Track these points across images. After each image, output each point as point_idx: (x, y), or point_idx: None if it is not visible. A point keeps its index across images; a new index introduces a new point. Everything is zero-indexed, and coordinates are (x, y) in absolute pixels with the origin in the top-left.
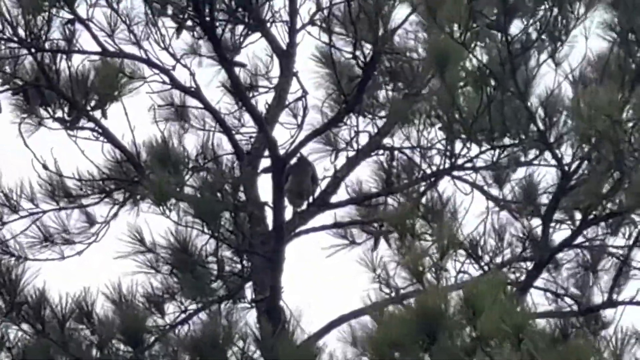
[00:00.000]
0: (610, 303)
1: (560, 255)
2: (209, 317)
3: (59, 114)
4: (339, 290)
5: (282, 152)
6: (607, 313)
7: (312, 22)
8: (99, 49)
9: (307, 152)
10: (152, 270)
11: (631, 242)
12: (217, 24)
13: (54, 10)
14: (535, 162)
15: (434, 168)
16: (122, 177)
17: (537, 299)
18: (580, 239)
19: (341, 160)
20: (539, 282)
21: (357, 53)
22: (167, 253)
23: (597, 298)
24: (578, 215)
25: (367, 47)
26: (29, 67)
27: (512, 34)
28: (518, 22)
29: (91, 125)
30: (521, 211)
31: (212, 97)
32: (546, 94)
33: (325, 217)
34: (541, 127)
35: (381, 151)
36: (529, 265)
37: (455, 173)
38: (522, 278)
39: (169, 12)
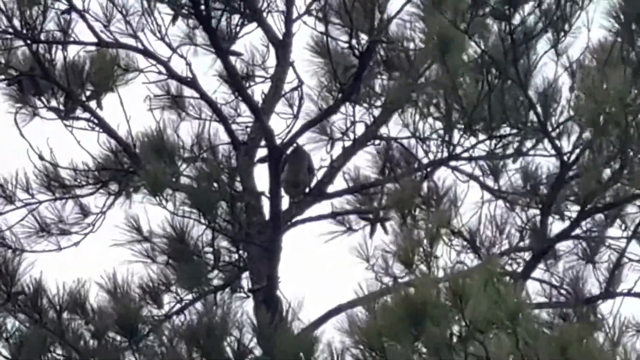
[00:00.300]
0: (608, 294)
1: (558, 246)
2: (205, 307)
3: (53, 103)
4: (336, 280)
5: (278, 141)
6: (604, 306)
7: (308, 11)
8: (94, 40)
9: (303, 142)
10: (148, 259)
11: (629, 233)
12: (213, 14)
13: (49, 1)
14: (534, 152)
15: (431, 157)
16: (118, 168)
17: (534, 290)
18: (578, 231)
19: (337, 150)
20: (536, 273)
21: (353, 42)
22: (163, 243)
23: (595, 290)
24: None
25: (363, 37)
26: (22, 57)
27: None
28: (522, 11)
29: (87, 115)
30: (516, 201)
31: (208, 87)
32: (546, 83)
33: (322, 207)
34: (541, 116)
35: (377, 141)
36: (526, 255)
37: (453, 163)
38: (520, 269)
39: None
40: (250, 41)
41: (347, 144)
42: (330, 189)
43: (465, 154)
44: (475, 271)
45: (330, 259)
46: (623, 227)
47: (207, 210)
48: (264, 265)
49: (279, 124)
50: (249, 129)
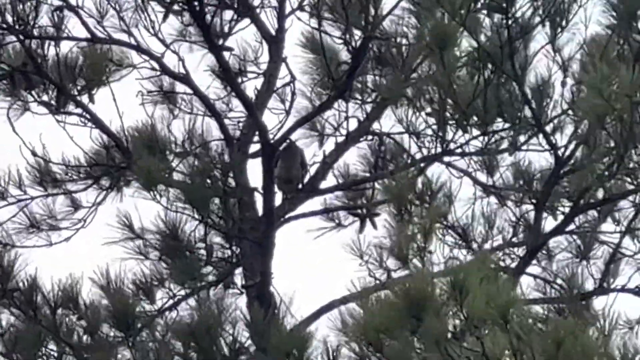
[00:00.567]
0: (602, 290)
1: (552, 242)
2: (198, 302)
3: (45, 98)
4: (329, 276)
5: (270, 137)
6: (598, 302)
7: (300, 7)
8: (88, 35)
9: (295, 138)
10: (140, 256)
11: (623, 228)
12: (206, 10)
13: None
14: (527, 147)
15: (425, 153)
16: (110, 163)
17: (528, 286)
18: (572, 226)
19: (330, 146)
20: (530, 269)
21: (347, 38)
22: (156, 239)
23: (589, 286)
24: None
25: (357, 33)
26: (14, 52)
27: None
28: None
29: (79, 110)
30: (509, 196)
31: (201, 83)
32: (540, 79)
33: (315, 203)
34: (536, 111)
35: (370, 137)
36: (520, 251)
37: (446, 159)
38: (513, 264)
39: None
40: (242, 37)
41: (340, 139)
42: (323, 185)
43: (459, 150)
44: (471, 266)
45: (323, 255)
46: (616, 222)
47: (201, 206)
48: (257, 261)
49: (271, 119)
50: (241, 125)
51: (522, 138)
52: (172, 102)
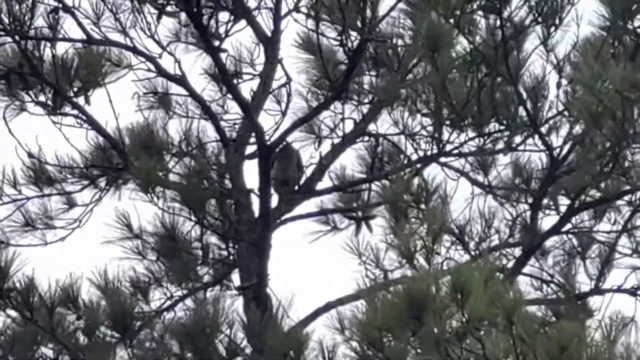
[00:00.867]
0: (598, 291)
1: (548, 242)
2: (195, 303)
3: (42, 98)
4: (326, 277)
5: (266, 138)
6: (594, 301)
7: (296, 8)
8: (84, 36)
9: (292, 139)
10: (138, 256)
11: (619, 228)
12: (203, 12)
13: None
14: (523, 147)
15: (421, 154)
16: (106, 164)
17: (525, 286)
18: (568, 226)
19: (326, 147)
20: (526, 269)
21: (344, 40)
22: (153, 239)
23: (585, 286)
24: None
25: (353, 34)
26: (11, 52)
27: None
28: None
29: (75, 112)
30: (507, 196)
31: (196, 84)
32: (535, 79)
33: (311, 205)
34: (531, 112)
35: (366, 138)
36: (516, 251)
37: (442, 159)
38: (510, 264)
39: None
40: (238, 39)
41: (336, 141)
42: (320, 186)
43: (455, 151)
44: (473, 267)
45: (319, 257)
46: (613, 222)
47: (197, 208)
48: (254, 262)
49: (267, 120)
50: (237, 126)
51: (517, 139)
52: (168, 103)
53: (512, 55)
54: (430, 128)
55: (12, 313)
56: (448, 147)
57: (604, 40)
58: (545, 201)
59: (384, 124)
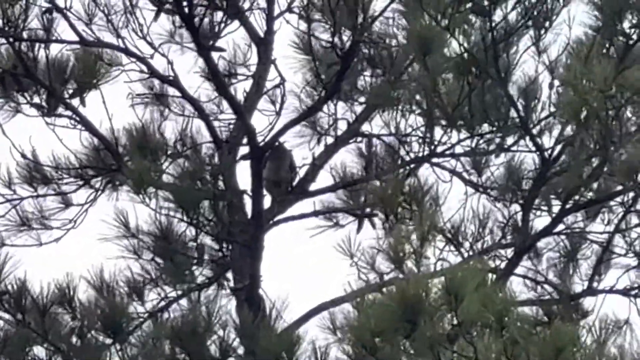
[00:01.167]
0: (591, 291)
1: (541, 243)
2: (189, 304)
3: (36, 100)
4: (319, 278)
5: (260, 139)
6: (587, 302)
7: (289, 9)
8: (76, 38)
9: (286, 139)
10: (133, 255)
11: (611, 228)
12: (196, 12)
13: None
14: (515, 148)
15: (413, 155)
16: (101, 165)
17: (518, 287)
18: (561, 227)
19: (319, 148)
20: (519, 270)
21: (336, 41)
22: (149, 239)
23: (578, 286)
24: (557, 202)
25: (347, 34)
26: (5, 54)
27: (496, 20)
28: (503, 7)
29: (69, 113)
30: (500, 197)
31: (192, 84)
32: (526, 80)
33: (305, 205)
34: (522, 113)
35: (359, 138)
36: (509, 252)
37: (435, 160)
38: (502, 265)
39: None
40: (232, 39)
41: (330, 141)
42: (313, 187)
43: (447, 152)
44: (466, 270)
45: (312, 258)
46: (606, 222)
47: (190, 209)
48: (247, 263)
49: (261, 121)
50: (231, 127)
51: (509, 140)
52: (162, 103)
53: (503, 58)
54: (422, 129)
55: (5, 315)
56: (440, 148)
57: (593, 41)
58: (537, 202)
59: (378, 124)
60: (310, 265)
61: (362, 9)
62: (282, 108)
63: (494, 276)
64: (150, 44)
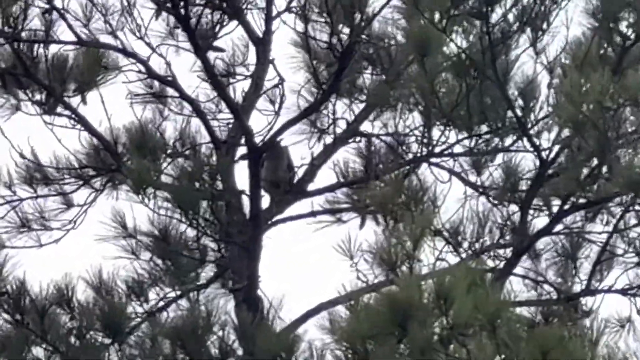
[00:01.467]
0: (589, 291)
1: (539, 243)
2: (190, 304)
3: (37, 97)
4: (318, 279)
5: (259, 138)
6: (587, 301)
7: (288, 9)
8: (74, 39)
9: (284, 137)
10: (132, 256)
11: (610, 228)
12: (192, 13)
13: (30, 0)
14: (513, 148)
15: (412, 155)
16: (100, 165)
17: (517, 287)
18: (559, 227)
19: (319, 146)
20: (518, 270)
21: (334, 41)
22: (148, 239)
23: (577, 286)
24: (556, 201)
25: (345, 33)
26: (5, 53)
27: (494, 21)
28: (500, 10)
29: (68, 113)
30: (500, 198)
31: (190, 84)
32: (524, 82)
33: (303, 205)
34: (519, 115)
35: (358, 138)
36: (508, 252)
37: (433, 160)
38: (501, 265)
39: None
40: (231, 39)
41: (328, 141)
42: (311, 187)
43: (446, 152)
44: (458, 273)
45: (311, 258)
46: (604, 222)
47: (189, 209)
48: (245, 264)
49: (260, 120)
50: (230, 126)
51: (507, 140)
52: (162, 103)
53: (500, 59)
54: (420, 129)
55: (4, 316)
56: (438, 149)
57: (591, 43)
58: (536, 202)
59: (377, 124)
60: (308, 265)
61: (359, 9)
62: (281, 108)
63: (490, 277)
64: (148, 44)
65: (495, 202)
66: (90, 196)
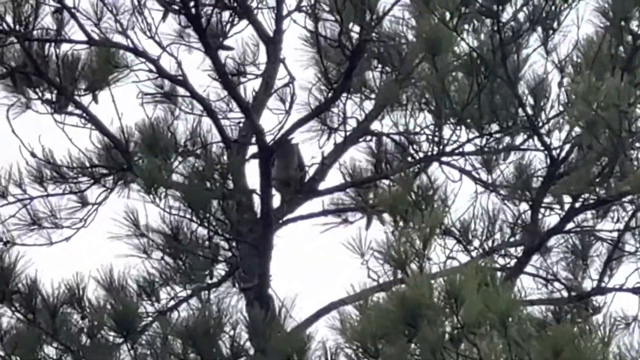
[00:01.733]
0: (600, 289)
1: (551, 241)
2: (202, 303)
3: (47, 96)
4: (329, 277)
5: (270, 137)
6: (598, 299)
7: (298, 8)
8: (85, 38)
9: (294, 136)
10: (143, 254)
11: (621, 226)
12: (203, 12)
13: None
14: (524, 147)
15: (422, 154)
16: (111, 164)
17: (528, 285)
18: (570, 225)
19: (329, 146)
20: (529, 268)
21: (344, 40)
22: (159, 238)
23: (588, 284)
24: (567, 199)
25: (355, 31)
26: (16, 51)
27: (504, 20)
28: (510, 9)
29: (79, 112)
30: (511, 196)
31: (202, 83)
32: (534, 80)
33: (314, 204)
34: (530, 113)
35: (369, 137)
36: (519, 250)
37: (444, 159)
38: (512, 264)
39: None
40: (242, 38)
41: (339, 140)
42: (322, 185)
43: (457, 150)
44: (468, 271)
45: (322, 256)
46: (616, 220)
47: (200, 208)
48: (256, 263)
49: (271, 119)
50: (241, 126)
51: (518, 139)
52: (172, 102)
53: (511, 58)
54: (431, 128)
55: (15, 315)
56: (449, 147)
57: (601, 42)
58: (547, 200)
59: (387, 123)
60: (320, 263)
61: (369, 7)
62: (291, 107)
63: (501, 275)
64: (159, 44)
65: (506, 200)
66: (101, 195)
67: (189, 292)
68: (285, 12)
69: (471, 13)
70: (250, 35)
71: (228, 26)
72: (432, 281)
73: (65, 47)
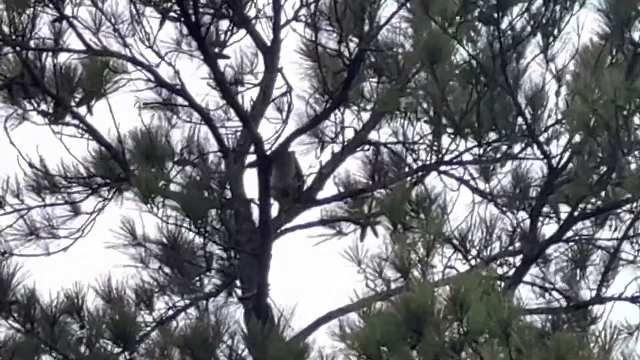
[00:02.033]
0: (599, 299)
1: (549, 249)
2: (197, 313)
3: (44, 107)
4: (327, 287)
5: (267, 147)
6: (596, 308)
7: (296, 18)
8: (83, 47)
9: (291, 146)
10: (140, 264)
11: (619, 235)
12: (202, 21)
13: (38, 8)
14: (522, 155)
15: (420, 163)
16: (108, 174)
17: (526, 294)
18: (569, 233)
19: (326, 156)
20: (527, 277)
21: (343, 50)
22: (157, 248)
23: (586, 293)
24: (565, 208)
25: (353, 41)
26: (13, 61)
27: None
28: (510, 15)
29: (76, 122)
30: (509, 205)
31: (199, 91)
32: (533, 88)
33: (312, 214)
34: (529, 121)
35: (366, 146)
36: (517, 259)
37: (442, 168)
38: (510, 273)
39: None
40: (240, 47)
41: (337, 149)
42: (320, 195)
43: (455, 160)
44: (471, 279)
45: (321, 266)
46: (614, 229)
47: (198, 218)
48: (254, 272)
49: (268, 128)
50: (238, 134)
51: (517, 148)
52: (170, 111)
53: (511, 65)
54: (429, 137)
55: (14, 324)
56: (448, 157)
57: (602, 49)
58: (545, 209)
59: (385, 132)
60: (318, 273)
61: (368, 17)
62: (288, 116)
63: (502, 284)
64: (157, 53)
65: (504, 209)
66: (98, 204)
67: (187, 301)
68: (283, 21)
69: (471, 20)
70: (248, 44)
71: (227, 35)
72: (435, 288)
73: (62, 57)
